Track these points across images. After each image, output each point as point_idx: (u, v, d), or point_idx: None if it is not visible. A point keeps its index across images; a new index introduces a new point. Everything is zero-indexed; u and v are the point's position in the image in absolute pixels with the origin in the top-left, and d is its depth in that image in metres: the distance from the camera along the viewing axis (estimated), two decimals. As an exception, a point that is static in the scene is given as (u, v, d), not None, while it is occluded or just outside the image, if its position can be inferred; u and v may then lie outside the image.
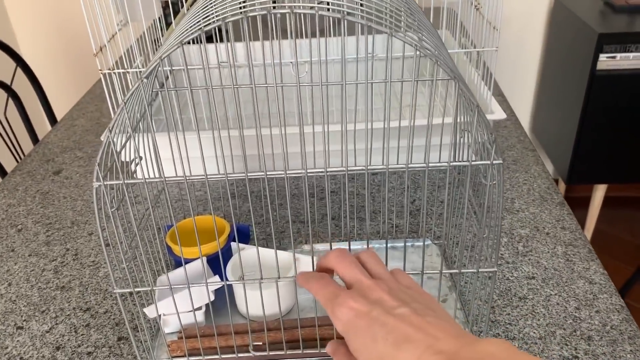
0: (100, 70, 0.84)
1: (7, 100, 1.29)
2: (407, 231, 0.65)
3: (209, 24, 0.41)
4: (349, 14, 0.40)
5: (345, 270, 0.43)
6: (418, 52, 0.41)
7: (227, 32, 1.04)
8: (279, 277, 0.53)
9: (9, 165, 1.25)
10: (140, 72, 0.89)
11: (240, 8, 0.42)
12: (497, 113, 0.88)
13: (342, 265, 0.44)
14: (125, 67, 0.86)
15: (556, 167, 1.99)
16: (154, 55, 0.71)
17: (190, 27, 0.43)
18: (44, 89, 1.39)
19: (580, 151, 1.84)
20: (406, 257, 0.71)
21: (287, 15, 0.41)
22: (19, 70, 1.33)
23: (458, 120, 0.58)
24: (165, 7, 1.36)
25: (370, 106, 0.75)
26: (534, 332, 0.62)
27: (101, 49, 0.83)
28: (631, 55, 1.72)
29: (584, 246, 0.74)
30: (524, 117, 2.22)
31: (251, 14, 0.40)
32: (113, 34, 0.84)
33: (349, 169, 0.48)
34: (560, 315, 0.64)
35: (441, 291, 0.65)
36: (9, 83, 1.28)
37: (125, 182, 0.47)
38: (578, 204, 2.29)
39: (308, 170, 0.47)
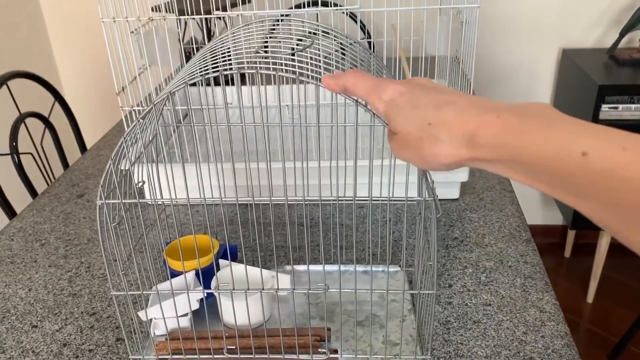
0: (122, 107, 0.97)
1: (44, 131, 1.44)
2: (371, 259, 0.73)
3: (193, 78, 0.52)
4: (301, 74, 0.50)
5: (367, 79, 0.46)
6: (350, 101, 0.51)
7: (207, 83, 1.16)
8: (248, 289, 0.62)
9: (41, 188, 1.38)
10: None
11: (221, 65, 0.53)
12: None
13: (361, 76, 0.46)
14: (144, 106, 0.98)
15: (562, 213, 2.04)
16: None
17: (179, 80, 0.54)
18: (78, 121, 1.54)
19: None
20: (375, 280, 0.79)
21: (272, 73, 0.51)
22: (57, 104, 1.48)
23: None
24: (189, 53, 1.50)
25: (342, 145, 0.85)
26: (482, 352, 0.69)
27: (123, 89, 0.96)
28: (633, 106, 1.78)
29: (541, 279, 0.81)
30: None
31: (225, 72, 0.51)
32: (134, 77, 0.97)
33: (322, 198, 0.57)
34: (508, 338, 0.71)
35: (402, 312, 0.73)
36: (47, 115, 1.43)
37: (123, 201, 0.57)
38: (586, 251, 2.31)
39: (288, 198, 0.57)
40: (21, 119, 1.34)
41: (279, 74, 0.50)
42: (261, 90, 0.97)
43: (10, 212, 1.24)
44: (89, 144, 1.60)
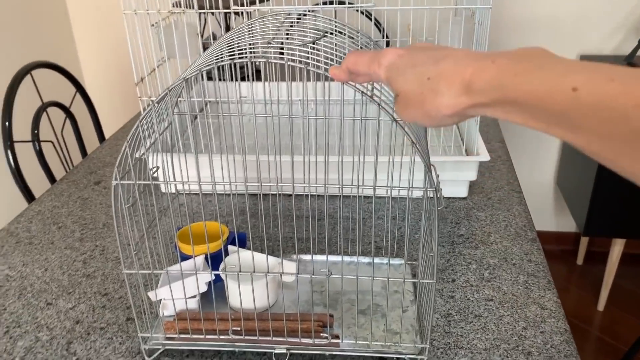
0: (140, 97, 1.00)
1: (65, 120, 1.48)
2: (374, 251, 0.75)
3: (209, 65, 0.54)
4: (308, 64, 0.52)
5: (366, 54, 0.48)
6: (364, 98, 0.53)
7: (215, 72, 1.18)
8: (254, 272, 0.64)
9: (59, 175, 1.42)
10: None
11: (240, 53, 0.55)
12: (482, 155, 0.98)
13: (359, 53, 0.48)
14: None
15: (575, 219, 2.03)
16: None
17: (193, 67, 0.56)
18: (99, 112, 1.58)
19: (597, 204, 1.88)
20: (380, 272, 0.81)
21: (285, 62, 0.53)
22: (78, 95, 1.52)
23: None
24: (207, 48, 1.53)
25: (361, 141, 0.86)
26: (481, 344, 0.70)
27: (142, 80, 0.99)
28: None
29: (544, 277, 0.82)
30: (549, 168, 2.27)
31: (237, 61, 0.53)
32: (153, 68, 1.00)
33: (327, 186, 0.59)
34: (507, 333, 0.72)
35: (404, 303, 0.75)
36: (68, 105, 1.47)
37: (137, 182, 0.60)
38: (598, 259, 2.30)
39: (295, 189, 0.59)
40: (43, 108, 1.37)
41: (289, 63, 0.52)
42: (271, 85, 0.99)
43: (30, 197, 1.28)
44: (107, 134, 1.63)
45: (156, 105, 0.55)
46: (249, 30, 0.66)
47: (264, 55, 0.52)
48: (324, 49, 0.57)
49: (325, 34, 0.60)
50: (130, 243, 0.75)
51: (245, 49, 0.55)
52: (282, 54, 0.55)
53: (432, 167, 0.59)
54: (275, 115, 0.64)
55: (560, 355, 0.68)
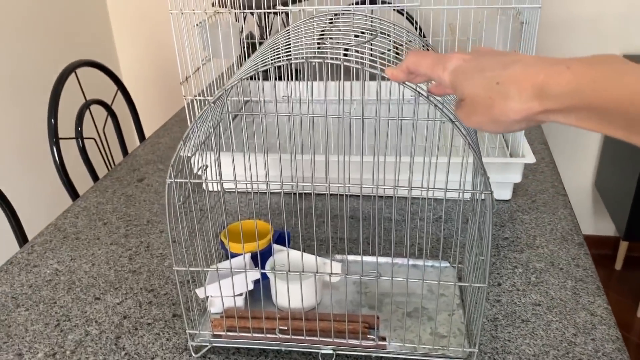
0: (185, 96, 1.01)
1: (107, 118, 1.51)
2: (424, 253, 0.74)
3: (265, 66, 0.54)
4: (369, 65, 0.52)
5: (429, 55, 0.47)
6: (417, 97, 0.52)
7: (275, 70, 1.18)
8: (303, 271, 0.64)
9: (102, 173, 1.45)
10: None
11: (287, 55, 0.55)
12: (527, 157, 0.96)
13: (422, 54, 0.47)
14: (206, 96, 1.02)
15: (615, 224, 1.98)
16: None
17: (249, 67, 0.56)
18: (138, 110, 1.60)
19: (638, 208, 1.83)
20: (425, 274, 0.80)
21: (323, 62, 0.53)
22: (119, 93, 1.55)
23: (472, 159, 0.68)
24: (248, 47, 1.54)
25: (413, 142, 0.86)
26: (529, 350, 0.69)
27: (187, 79, 1.00)
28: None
29: (593, 282, 0.81)
30: (588, 171, 2.23)
31: (294, 61, 0.53)
32: (197, 67, 1.01)
33: (378, 186, 0.59)
34: (557, 339, 0.71)
35: (451, 306, 0.74)
36: (109, 104, 1.50)
37: (191, 180, 0.60)
38: (638, 264, 2.24)
39: (331, 185, 0.59)
40: (86, 105, 1.40)
41: (345, 63, 0.52)
42: (320, 85, 0.99)
43: (74, 193, 1.30)
44: (147, 132, 1.66)
45: (212, 105, 0.56)
46: (297, 31, 0.66)
47: (321, 55, 0.52)
48: (376, 48, 0.57)
49: (377, 35, 0.59)
50: (178, 240, 0.76)
51: (301, 49, 0.55)
52: (345, 54, 0.55)
53: (483, 166, 0.58)
54: (331, 116, 0.64)
55: (612, 364, 0.67)
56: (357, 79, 1.39)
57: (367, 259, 0.81)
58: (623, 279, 2.20)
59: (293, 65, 1.20)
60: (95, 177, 1.37)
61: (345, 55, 0.53)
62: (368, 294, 0.77)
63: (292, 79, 1.30)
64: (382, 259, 0.82)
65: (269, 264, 0.74)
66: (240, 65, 1.20)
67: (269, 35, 1.60)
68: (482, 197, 0.59)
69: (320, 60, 0.52)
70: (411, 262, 0.83)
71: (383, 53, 0.59)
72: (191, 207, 0.63)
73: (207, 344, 0.70)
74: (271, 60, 0.54)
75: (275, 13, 1.54)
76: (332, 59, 0.52)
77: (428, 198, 1.03)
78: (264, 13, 1.47)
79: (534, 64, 0.39)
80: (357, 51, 0.54)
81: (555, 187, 1.06)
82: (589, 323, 0.73)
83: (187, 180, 0.60)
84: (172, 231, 0.92)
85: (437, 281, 0.63)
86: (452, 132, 0.55)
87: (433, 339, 0.68)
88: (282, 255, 0.75)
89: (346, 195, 0.74)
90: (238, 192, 1.05)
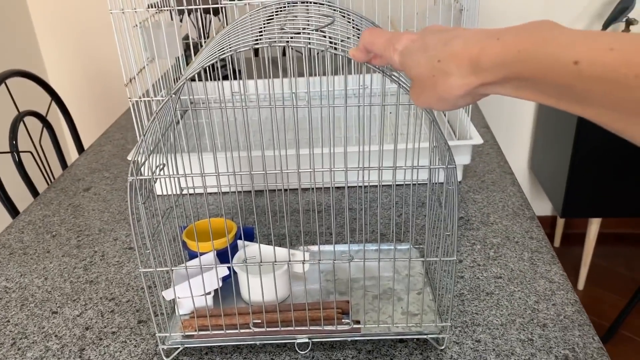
0: (130, 98, 0.98)
1: (42, 129, 1.44)
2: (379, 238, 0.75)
3: (223, 53, 0.54)
4: (330, 46, 0.53)
5: (382, 35, 0.48)
6: (384, 76, 0.53)
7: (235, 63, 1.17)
8: (275, 262, 0.64)
9: (41, 187, 1.38)
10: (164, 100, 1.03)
11: (253, 41, 0.55)
12: (475, 138, 0.99)
13: (376, 33, 0.48)
14: (150, 96, 1.00)
15: (552, 203, 2.08)
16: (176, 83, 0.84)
17: (208, 56, 0.55)
18: (74, 120, 1.54)
19: (572, 186, 1.94)
20: (389, 257, 0.81)
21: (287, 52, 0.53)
22: (53, 103, 1.48)
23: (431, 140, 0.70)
24: (186, 49, 1.51)
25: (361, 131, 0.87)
26: (497, 320, 0.72)
27: (130, 81, 0.97)
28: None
29: (547, 252, 0.84)
30: (522, 155, 2.33)
31: (256, 46, 0.52)
32: (141, 68, 0.98)
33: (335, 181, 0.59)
34: (521, 307, 0.74)
35: (418, 285, 0.75)
36: (44, 115, 1.43)
37: (154, 177, 0.59)
38: (575, 240, 2.37)
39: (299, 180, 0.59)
40: (20, 117, 1.33)
41: (310, 46, 0.52)
42: (264, 82, 0.98)
43: (13, 209, 1.23)
44: (84, 142, 1.59)
45: (174, 96, 0.54)
46: (250, 22, 0.66)
47: (284, 39, 0.51)
48: (332, 33, 0.58)
49: (334, 20, 0.60)
50: (147, 239, 0.73)
51: (261, 35, 0.55)
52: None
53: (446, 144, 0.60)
54: (289, 107, 0.64)
55: (574, 325, 0.70)
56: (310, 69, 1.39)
57: (328, 248, 0.81)
58: (562, 255, 2.31)
59: (235, 65, 1.18)
60: (34, 191, 1.30)
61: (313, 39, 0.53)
62: (337, 280, 0.77)
63: (235, 79, 1.29)
64: (342, 247, 0.82)
65: (237, 259, 0.73)
66: (182, 67, 1.18)
67: (207, 36, 1.58)
68: (448, 171, 0.60)
69: (284, 44, 0.51)
70: (374, 247, 0.84)
71: (344, 38, 0.59)
72: (155, 205, 0.61)
73: (179, 346, 0.68)
74: (229, 47, 0.53)
75: (214, 13, 1.52)
76: (295, 42, 0.52)
77: (382, 185, 1.04)
78: (201, 14, 1.45)
79: (471, 38, 0.40)
80: (320, 35, 0.54)
81: (502, 167, 1.11)
82: (548, 290, 0.77)
83: (150, 177, 0.58)
84: (135, 229, 0.89)
85: (408, 259, 0.64)
86: (407, 118, 0.56)
87: (406, 318, 0.69)
88: (251, 249, 0.74)
89: (314, 189, 0.73)
90: (195, 192, 1.03)
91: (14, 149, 1.29)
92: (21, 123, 1.33)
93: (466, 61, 0.40)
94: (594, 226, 2.05)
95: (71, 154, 2.27)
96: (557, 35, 0.35)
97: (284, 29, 0.56)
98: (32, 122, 1.42)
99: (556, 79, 0.35)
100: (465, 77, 0.40)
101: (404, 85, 0.53)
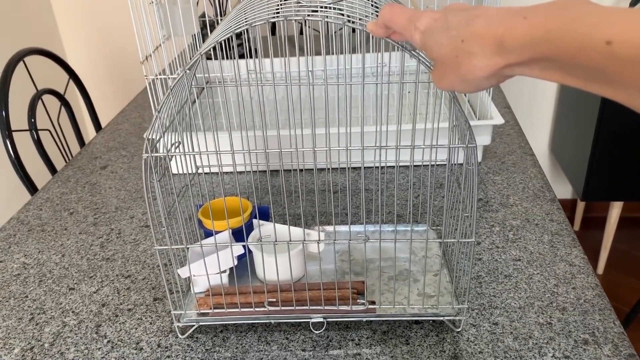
0: (146, 76, 0.97)
1: (60, 108, 1.44)
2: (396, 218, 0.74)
3: (239, 27, 0.52)
4: (348, 21, 0.51)
5: (403, 13, 0.46)
6: (403, 51, 0.52)
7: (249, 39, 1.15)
8: (290, 241, 0.63)
9: (59, 164, 1.39)
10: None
11: (271, 14, 0.54)
12: (495, 118, 0.97)
13: (397, 10, 0.46)
14: (167, 74, 0.99)
15: (573, 186, 2.05)
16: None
17: (223, 31, 0.54)
18: (92, 98, 1.54)
19: (594, 169, 1.90)
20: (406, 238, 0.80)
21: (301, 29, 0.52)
22: (71, 82, 1.48)
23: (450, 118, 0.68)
24: (203, 27, 1.50)
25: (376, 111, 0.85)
26: (515, 303, 0.70)
27: (147, 58, 0.96)
28: None
29: (568, 235, 0.83)
30: (543, 136, 2.29)
31: (272, 20, 0.51)
32: (157, 46, 0.97)
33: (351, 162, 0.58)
34: (540, 290, 0.72)
35: (434, 267, 0.74)
36: (62, 93, 1.43)
37: (169, 154, 0.58)
38: (595, 224, 2.33)
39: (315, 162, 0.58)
40: (38, 95, 1.34)
41: (327, 20, 0.50)
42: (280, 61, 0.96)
43: (32, 186, 1.25)
44: (102, 121, 1.60)
45: (188, 72, 0.53)
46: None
47: (301, 13, 0.50)
48: (350, 11, 0.56)
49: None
50: (162, 217, 0.74)
51: (278, 10, 0.54)
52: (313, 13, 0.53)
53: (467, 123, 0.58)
54: (305, 84, 0.63)
55: (594, 309, 0.69)
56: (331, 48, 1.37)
57: (344, 228, 0.81)
58: (582, 239, 2.28)
59: (251, 44, 1.17)
60: (52, 169, 1.31)
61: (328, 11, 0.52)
62: (353, 261, 0.76)
63: (251, 57, 1.28)
64: (358, 227, 0.82)
65: (252, 238, 0.72)
66: (198, 44, 1.17)
67: (224, 14, 1.56)
68: (468, 150, 0.59)
69: (301, 18, 0.50)
70: (390, 228, 0.83)
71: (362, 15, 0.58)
72: (171, 184, 0.61)
73: (194, 324, 0.68)
74: (246, 21, 0.52)
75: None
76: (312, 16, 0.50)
77: (399, 165, 1.03)
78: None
79: (496, 17, 0.38)
80: (335, 9, 0.53)
81: (523, 148, 1.08)
82: (568, 273, 0.75)
83: (165, 154, 0.58)
84: (151, 207, 0.89)
85: (426, 240, 0.63)
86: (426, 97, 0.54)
87: (422, 300, 0.68)
88: (266, 228, 0.73)
89: (330, 169, 0.72)
90: (211, 172, 1.03)
91: (32, 127, 1.29)
92: (39, 101, 1.34)
93: (491, 41, 0.38)
94: (615, 210, 2.02)
95: (89, 132, 2.28)
96: (588, 13, 0.33)
97: (301, 3, 0.55)
98: (50, 100, 1.43)
99: (586, 60, 0.33)
100: (489, 58, 0.39)
101: (424, 62, 0.52)
